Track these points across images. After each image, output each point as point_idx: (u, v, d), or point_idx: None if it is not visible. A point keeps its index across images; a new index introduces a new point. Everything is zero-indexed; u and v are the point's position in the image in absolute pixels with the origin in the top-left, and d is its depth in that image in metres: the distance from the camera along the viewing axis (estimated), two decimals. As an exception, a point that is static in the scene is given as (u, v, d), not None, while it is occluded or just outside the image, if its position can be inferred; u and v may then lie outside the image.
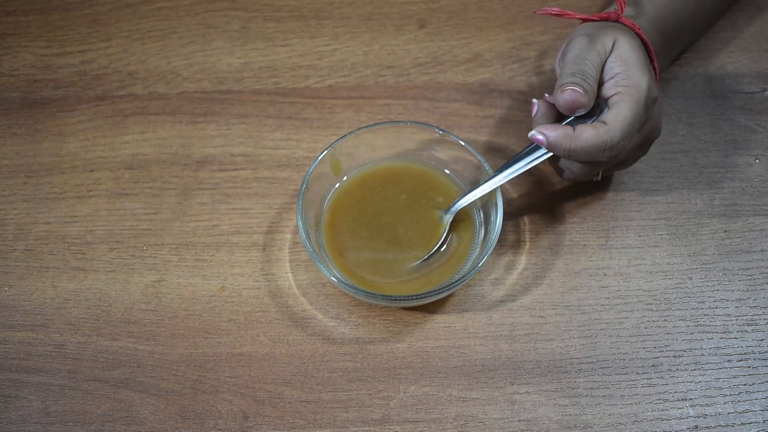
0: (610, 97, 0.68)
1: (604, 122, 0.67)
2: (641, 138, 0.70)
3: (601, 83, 0.69)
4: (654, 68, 0.72)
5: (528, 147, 0.71)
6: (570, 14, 0.72)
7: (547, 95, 0.71)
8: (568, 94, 0.67)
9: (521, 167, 0.71)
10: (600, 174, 0.73)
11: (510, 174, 0.71)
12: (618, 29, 0.70)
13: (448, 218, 0.73)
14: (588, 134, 0.66)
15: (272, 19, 0.89)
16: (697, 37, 0.84)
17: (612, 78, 0.68)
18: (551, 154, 0.69)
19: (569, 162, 0.70)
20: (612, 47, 0.69)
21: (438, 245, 0.72)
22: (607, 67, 0.69)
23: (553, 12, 0.72)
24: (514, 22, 0.88)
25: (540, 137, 0.68)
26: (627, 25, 0.71)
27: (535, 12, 0.74)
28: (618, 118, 0.67)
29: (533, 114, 0.70)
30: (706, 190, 0.77)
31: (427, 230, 0.73)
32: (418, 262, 0.71)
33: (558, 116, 0.70)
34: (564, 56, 0.70)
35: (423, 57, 0.86)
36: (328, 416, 0.67)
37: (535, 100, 0.71)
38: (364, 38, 0.88)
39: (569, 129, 0.67)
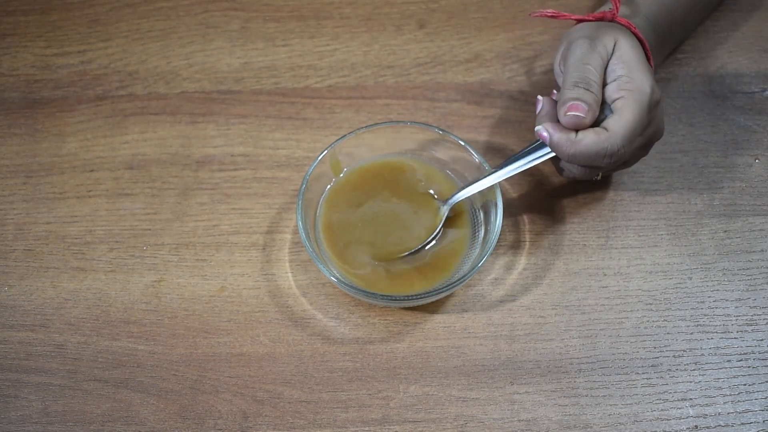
0: (614, 101, 0.67)
1: (606, 128, 0.67)
2: (643, 140, 0.69)
3: (603, 85, 0.69)
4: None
5: (529, 146, 0.71)
6: (565, 15, 0.72)
7: (555, 92, 0.71)
8: (570, 119, 0.66)
9: (522, 165, 0.70)
10: (600, 174, 0.73)
11: (511, 171, 0.70)
12: (617, 29, 0.70)
13: (446, 210, 0.72)
14: (589, 140, 0.66)
15: (272, 19, 0.89)
16: (689, 32, 0.83)
17: (615, 80, 0.68)
18: (553, 154, 0.69)
19: (569, 164, 0.70)
20: (613, 48, 0.69)
21: (433, 235, 0.72)
22: (609, 69, 0.69)
23: (548, 14, 0.72)
24: (513, 22, 0.88)
25: (545, 134, 0.68)
26: (624, 25, 0.71)
27: (530, 14, 0.74)
28: (620, 124, 0.66)
29: (537, 111, 0.70)
30: (706, 190, 0.77)
31: (422, 221, 0.73)
32: (412, 251, 0.71)
33: None
34: (565, 60, 0.70)
35: (423, 57, 0.86)
36: (328, 416, 0.67)
37: (540, 97, 0.71)
38: (364, 38, 0.88)
39: (572, 134, 0.67)
